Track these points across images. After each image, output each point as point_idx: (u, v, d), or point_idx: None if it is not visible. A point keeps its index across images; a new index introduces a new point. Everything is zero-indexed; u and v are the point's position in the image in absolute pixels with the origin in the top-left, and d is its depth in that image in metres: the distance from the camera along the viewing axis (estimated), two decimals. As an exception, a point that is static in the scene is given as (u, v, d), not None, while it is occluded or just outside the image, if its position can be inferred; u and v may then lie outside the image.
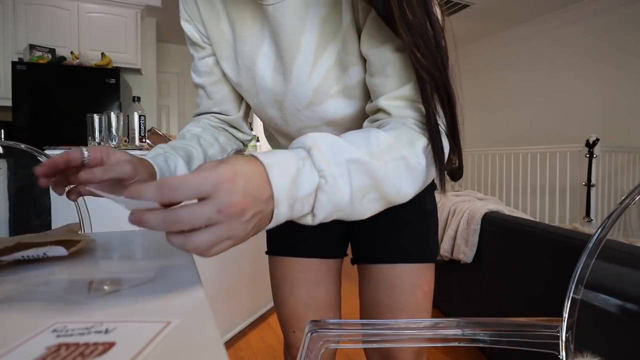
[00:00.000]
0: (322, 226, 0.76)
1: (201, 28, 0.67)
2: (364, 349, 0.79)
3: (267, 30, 0.62)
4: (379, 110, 0.55)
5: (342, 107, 0.63)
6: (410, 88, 0.52)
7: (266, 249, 0.83)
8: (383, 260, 0.74)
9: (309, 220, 0.43)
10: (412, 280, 0.73)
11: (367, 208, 0.46)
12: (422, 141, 0.49)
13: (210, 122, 0.76)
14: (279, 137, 0.77)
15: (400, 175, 0.47)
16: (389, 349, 0.74)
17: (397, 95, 0.53)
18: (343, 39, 0.58)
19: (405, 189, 0.48)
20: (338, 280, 0.82)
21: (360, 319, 0.80)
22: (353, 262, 0.81)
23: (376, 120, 0.55)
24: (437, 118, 0.49)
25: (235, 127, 0.79)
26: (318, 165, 0.40)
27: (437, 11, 0.50)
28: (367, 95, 0.61)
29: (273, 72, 0.64)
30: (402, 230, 0.74)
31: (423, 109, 0.51)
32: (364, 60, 0.58)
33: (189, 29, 0.68)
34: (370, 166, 0.43)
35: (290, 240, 0.79)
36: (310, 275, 0.77)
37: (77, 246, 0.54)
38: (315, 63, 0.60)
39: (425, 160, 0.48)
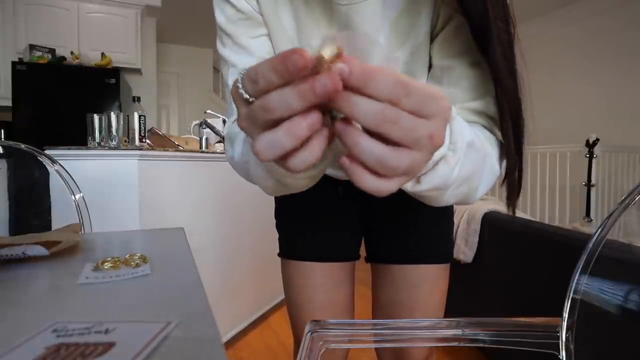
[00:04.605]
0: (340, 226, 0.77)
1: (255, 6, 0.57)
2: (376, 349, 0.78)
3: (336, 29, 0.57)
4: None
5: None
6: (481, 103, 0.51)
7: (278, 251, 0.78)
8: (407, 261, 0.73)
9: (408, 187, 0.39)
10: (433, 281, 0.73)
11: (446, 199, 0.43)
12: (497, 147, 0.49)
13: None
14: None
15: (483, 173, 0.45)
16: (400, 348, 0.73)
17: (468, 106, 0.52)
18: (415, 49, 0.55)
19: (481, 191, 0.46)
20: (353, 282, 0.80)
21: (373, 318, 0.79)
22: (368, 260, 0.80)
23: None
24: (509, 135, 0.48)
25: None
26: (454, 137, 0.37)
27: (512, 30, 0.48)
28: None
29: None
30: (428, 231, 0.73)
31: (492, 122, 0.51)
32: (429, 70, 0.57)
33: (239, 2, 0.56)
34: (479, 155, 0.42)
35: (309, 242, 0.75)
36: (330, 279, 0.75)
37: (58, 246, 0.54)
38: None
39: (500, 167, 0.48)
